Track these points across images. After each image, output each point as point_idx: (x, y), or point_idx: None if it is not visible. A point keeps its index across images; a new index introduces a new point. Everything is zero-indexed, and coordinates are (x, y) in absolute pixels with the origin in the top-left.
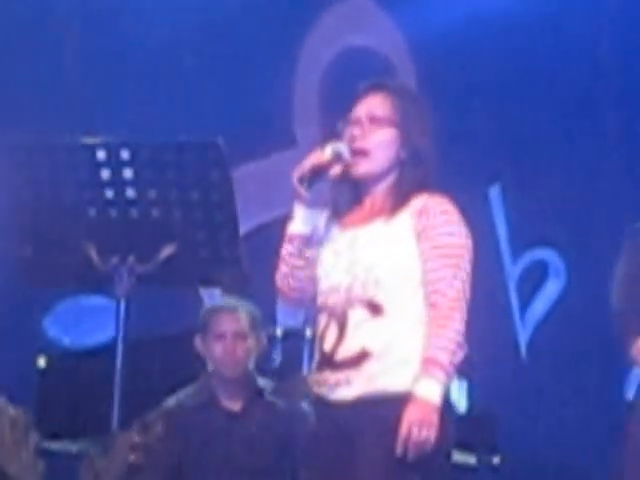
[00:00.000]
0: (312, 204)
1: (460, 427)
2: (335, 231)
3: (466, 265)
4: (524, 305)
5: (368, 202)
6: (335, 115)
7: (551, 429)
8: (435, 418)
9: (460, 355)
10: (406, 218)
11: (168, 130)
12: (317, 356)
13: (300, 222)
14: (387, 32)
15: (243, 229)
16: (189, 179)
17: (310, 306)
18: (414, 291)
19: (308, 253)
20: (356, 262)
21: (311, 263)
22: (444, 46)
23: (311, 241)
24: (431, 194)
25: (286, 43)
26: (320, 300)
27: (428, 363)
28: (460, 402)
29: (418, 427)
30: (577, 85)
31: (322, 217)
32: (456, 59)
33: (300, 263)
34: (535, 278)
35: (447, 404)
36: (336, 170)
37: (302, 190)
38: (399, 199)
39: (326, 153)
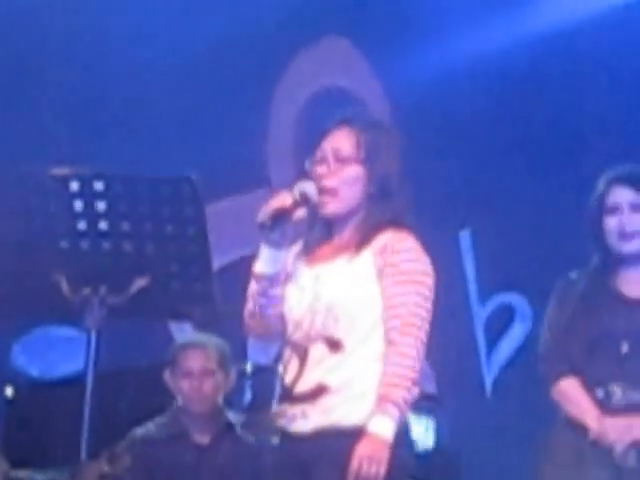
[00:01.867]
0: (279, 244)
1: (426, 463)
2: (302, 267)
3: (424, 301)
4: (491, 347)
5: (336, 239)
6: (309, 156)
7: (514, 467)
8: (386, 454)
9: (415, 391)
10: (368, 256)
11: (142, 167)
12: (279, 389)
13: (264, 262)
14: (363, 75)
15: (216, 265)
16: (163, 213)
17: (279, 342)
18: (374, 328)
19: (273, 292)
20: (318, 298)
21: (277, 302)
22: (419, 92)
23: (276, 281)
24: (395, 231)
25: (261, 82)
26: (286, 335)
27: (381, 400)
28: (426, 439)
29: (368, 462)
30: (549, 132)
31: (289, 255)
32: (430, 105)
33: (265, 302)
34: (502, 321)
35: (407, 439)
36: (300, 213)
37: (265, 232)
38: (363, 236)
39: (293, 194)
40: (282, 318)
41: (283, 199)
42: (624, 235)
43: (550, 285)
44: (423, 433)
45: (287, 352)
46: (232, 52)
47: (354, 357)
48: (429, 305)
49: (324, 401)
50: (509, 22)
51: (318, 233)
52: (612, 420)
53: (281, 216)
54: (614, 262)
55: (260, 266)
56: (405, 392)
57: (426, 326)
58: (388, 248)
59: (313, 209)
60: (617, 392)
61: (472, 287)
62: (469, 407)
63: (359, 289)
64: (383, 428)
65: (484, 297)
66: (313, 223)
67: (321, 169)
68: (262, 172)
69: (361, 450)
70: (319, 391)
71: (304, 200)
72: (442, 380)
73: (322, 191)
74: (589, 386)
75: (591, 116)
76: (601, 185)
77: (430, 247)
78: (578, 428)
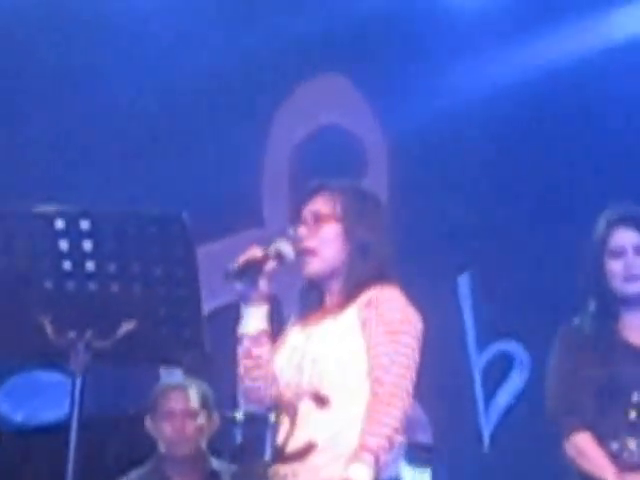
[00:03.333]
0: (249, 298)
1: None
2: (295, 333)
3: (408, 350)
4: (488, 396)
5: (328, 301)
6: (304, 199)
7: None
8: None
9: (397, 439)
10: (353, 311)
11: (131, 204)
12: (274, 450)
13: (244, 322)
14: (362, 114)
15: (206, 308)
16: (151, 253)
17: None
18: (360, 383)
19: (257, 352)
20: (304, 356)
21: (262, 363)
22: (419, 134)
23: (259, 340)
24: (382, 287)
25: (257, 118)
26: (278, 394)
27: (359, 449)
28: None
29: None
30: (550, 179)
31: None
32: (430, 147)
33: (250, 363)
34: (500, 369)
35: None
36: (270, 267)
37: (231, 282)
38: (348, 294)
39: (266, 250)
40: (273, 380)
41: (253, 252)
42: (630, 278)
43: (548, 332)
44: None
45: (279, 412)
46: (227, 87)
47: (342, 413)
48: (415, 354)
49: (313, 459)
50: (512, 64)
51: (312, 299)
52: (632, 476)
53: (251, 267)
54: (616, 305)
55: (241, 327)
56: (382, 440)
57: (411, 375)
58: (372, 301)
59: (307, 282)
60: (632, 445)
61: (470, 334)
62: (466, 459)
63: (344, 343)
64: (359, 475)
65: (482, 344)
66: (308, 291)
67: (301, 231)
68: (256, 212)
69: None
70: (308, 449)
71: (278, 257)
72: (439, 430)
73: (303, 252)
74: (601, 439)
75: (592, 163)
76: (602, 227)
77: (428, 292)
78: None
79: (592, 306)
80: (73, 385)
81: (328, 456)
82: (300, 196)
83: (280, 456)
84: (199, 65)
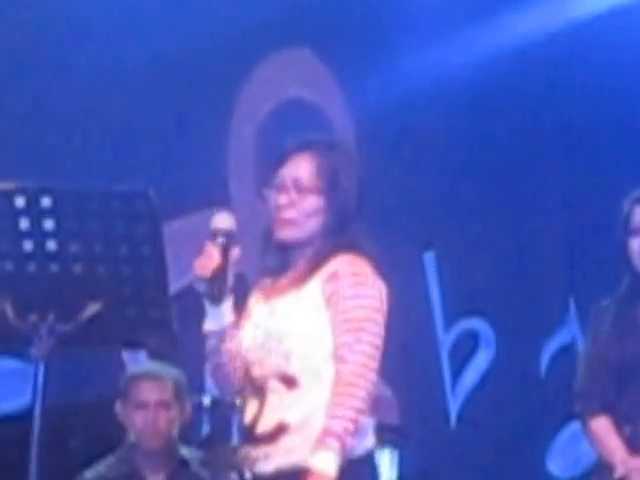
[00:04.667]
0: (218, 300)
1: None
2: (258, 305)
3: (375, 327)
4: (455, 374)
5: (291, 270)
6: (270, 177)
7: None
8: None
9: (361, 421)
10: (316, 284)
11: (93, 182)
12: (243, 432)
13: (211, 319)
14: (327, 88)
15: (173, 288)
16: (115, 231)
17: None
18: (327, 361)
19: (226, 347)
20: (269, 334)
21: (234, 356)
22: (384, 107)
23: (228, 335)
24: (347, 257)
25: (221, 94)
26: (245, 376)
27: (323, 434)
28: (391, 470)
29: None
30: (514, 154)
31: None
32: (395, 121)
33: (222, 360)
34: (466, 347)
35: (372, 470)
36: (236, 254)
37: (199, 285)
38: (313, 264)
39: (216, 243)
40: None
41: (210, 259)
42: None
43: (514, 310)
44: (387, 466)
45: (246, 392)
46: (190, 63)
47: (311, 393)
48: (381, 331)
49: (285, 441)
50: (475, 38)
51: (273, 263)
52: (637, 461)
53: (218, 275)
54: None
55: (207, 324)
56: (347, 422)
57: (375, 353)
58: (336, 275)
59: (267, 238)
60: None
61: (437, 312)
62: (433, 438)
63: (308, 320)
64: (326, 464)
65: (449, 322)
66: (266, 251)
67: (281, 199)
68: (222, 189)
69: None
70: (279, 430)
71: (228, 237)
72: (406, 410)
73: (281, 221)
74: (619, 422)
75: (559, 139)
76: (625, 206)
77: (394, 268)
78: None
79: (623, 284)
80: (35, 372)
81: (301, 437)
82: (279, 153)
83: (250, 438)
84: (160, 41)
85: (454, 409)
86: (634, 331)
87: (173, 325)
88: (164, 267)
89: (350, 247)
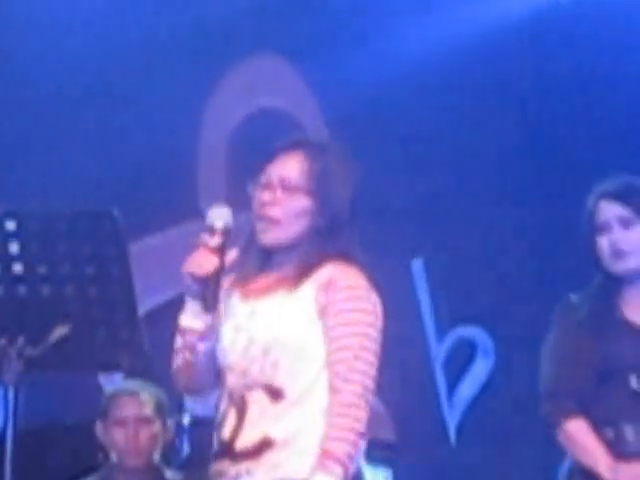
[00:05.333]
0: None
1: None
2: (235, 302)
3: (371, 344)
4: (451, 387)
5: (275, 270)
6: (243, 183)
7: None
8: None
9: (362, 445)
10: (309, 292)
11: (59, 200)
12: (215, 444)
13: (191, 317)
14: (299, 92)
15: (144, 307)
16: (82, 252)
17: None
18: (318, 373)
19: (202, 347)
20: (253, 340)
21: (206, 357)
22: (358, 110)
23: (206, 336)
24: (339, 264)
25: (189, 105)
26: (220, 380)
27: (324, 456)
28: None
29: None
30: (506, 148)
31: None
32: (373, 123)
33: (193, 358)
34: (462, 358)
35: None
36: (232, 256)
37: (194, 287)
38: (304, 268)
39: (213, 242)
40: (214, 373)
41: (206, 259)
42: (617, 253)
43: (512, 315)
44: None
45: (224, 402)
46: (157, 71)
47: (298, 406)
48: (377, 347)
49: (270, 457)
50: (446, 23)
51: (254, 262)
52: (627, 467)
53: (211, 276)
54: (613, 283)
55: (187, 320)
56: (349, 447)
57: (373, 371)
58: (332, 284)
59: (250, 237)
60: (629, 433)
61: (428, 321)
62: (431, 455)
63: (299, 329)
64: None
65: (441, 332)
66: (248, 250)
67: (265, 196)
68: (192, 202)
69: None
70: (263, 445)
71: (225, 235)
72: (400, 426)
73: (263, 219)
74: (598, 425)
75: (553, 127)
76: (590, 202)
77: (379, 277)
78: (590, 476)
79: (595, 281)
80: (5, 396)
81: (287, 452)
82: (268, 152)
83: (228, 453)
84: (128, 44)
85: (452, 423)
86: (614, 331)
87: (144, 345)
88: (132, 287)
89: (342, 255)
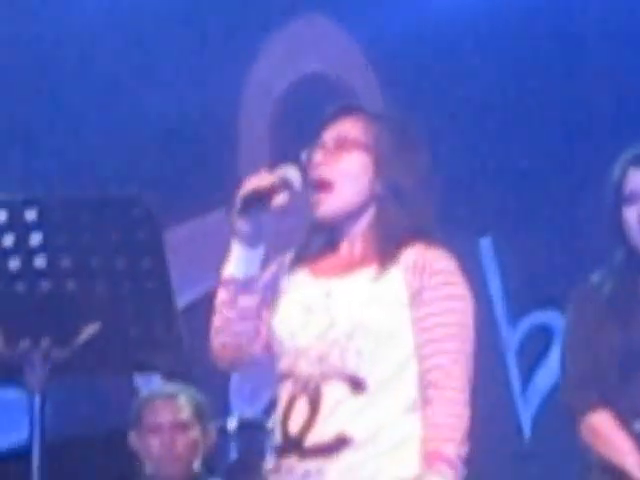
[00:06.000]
0: (251, 239)
1: None
2: (303, 280)
3: (469, 335)
4: (526, 378)
5: (345, 247)
6: (288, 156)
7: None
8: None
9: (467, 446)
10: (396, 276)
11: (84, 186)
12: (278, 438)
13: (235, 263)
14: (348, 56)
15: (182, 301)
16: (111, 243)
17: (248, 371)
18: (404, 365)
19: (245, 303)
20: (333, 324)
21: (249, 315)
22: (414, 72)
23: (249, 288)
24: (427, 246)
25: (228, 76)
26: (282, 366)
27: (433, 458)
28: None
29: None
30: (576, 109)
31: (283, 261)
32: (437, 88)
33: (233, 314)
34: (538, 345)
35: None
36: (280, 199)
37: (236, 219)
38: (387, 249)
39: (273, 177)
40: (255, 339)
41: (262, 178)
42: None
43: None
44: None
45: (287, 390)
46: (191, 39)
47: (381, 401)
48: (473, 337)
49: (347, 456)
50: None
51: (321, 238)
52: None
53: (257, 199)
54: (637, 259)
55: (229, 268)
56: (459, 447)
57: (471, 364)
58: (426, 267)
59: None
60: None
61: (499, 306)
62: (504, 451)
63: (387, 314)
64: None
65: (514, 317)
66: (317, 228)
67: (317, 156)
68: (232, 185)
69: None
70: (339, 443)
71: (284, 186)
72: (470, 421)
73: (316, 184)
74: (625, 418)
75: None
76: (617, 170)
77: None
78: (615, 473)
79: (615, 259)
80: (31, 404)
81: (366, 453)
82: (322, 118)
83: (296, 448)
84: (164, 10)
85: (527, 417)
86: (637, 312)
87: (183, 343)
88: (168, 279)
89: (422, 235)
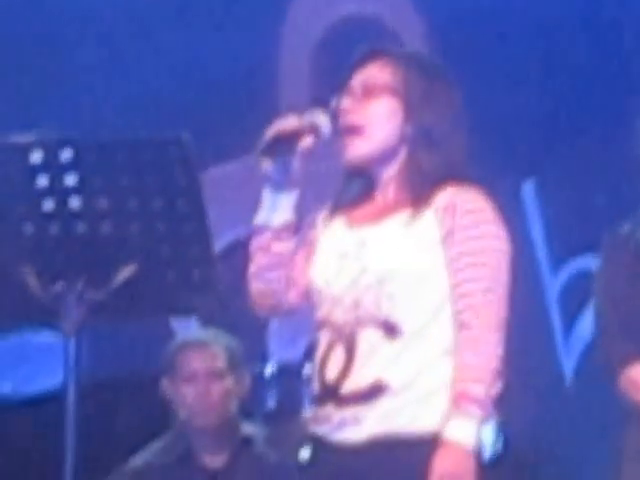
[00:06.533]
0: (280, 183)
1: (497, 471)
2: (339, 229)
3: (503, 275)
4: (568, 325)
5: (379, 194)
6: (328, 101)
7: (597, 463)
8: (471, 466)
9: (498, 387)
10: (429, 218)
11: (122, 125)
12: (316, 387)
13: (266, 209)
14: None
15: (220, 244)
16: (147, 184)
17: (286, 318)
18: (439, 308)
19: (277, 248)
20: (365, 270)
21: (282, 262)
22: (460, 15)
23: (283, 234)
24: (459, 188)
25: (266, 20)
26: (320, 314)
27: (460, 398)
28: (496, 442)
29: None
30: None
31: (318, 215)
32: (477, 31)
33: (267, 261)
34: (581, 292)
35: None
36: (306, 143)
37: (262, 160)
38: (420, 193)
39: (299, 121)
40: (292, 285)
41: (286, 122)
42: None
43: None
44: (491, 435)
45: (324, 338)
46: None
47: (417, 346)
48: (507, 277)
49: (383, 403)
50: None
51: (357, 188)
52: None
53: (284, 141)
54: None
55: (262, 215)
56: (488, 387)
57: (505, 304)
58: (453, 208)
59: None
60: None
61: (541, 251)
62: (545, 400)
63: (420, 258)
64: (465, 433)
65: (556, 263)
66: (353, 178)
67: (345, 102)
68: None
69: (442, 465)
70: (377, 390)
71: (313, 131)
72: (511, 369)
73: (346, 130)
74: None
75: None
76: None
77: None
78: None
79: None
80: (66, 347)
81: (402, 399)
82: (350, 64)
83: (333, 396)
84: None
85: (569, 365)
86: None
87: (219, 286)
88: (205, 221)
89: (455, 176)
